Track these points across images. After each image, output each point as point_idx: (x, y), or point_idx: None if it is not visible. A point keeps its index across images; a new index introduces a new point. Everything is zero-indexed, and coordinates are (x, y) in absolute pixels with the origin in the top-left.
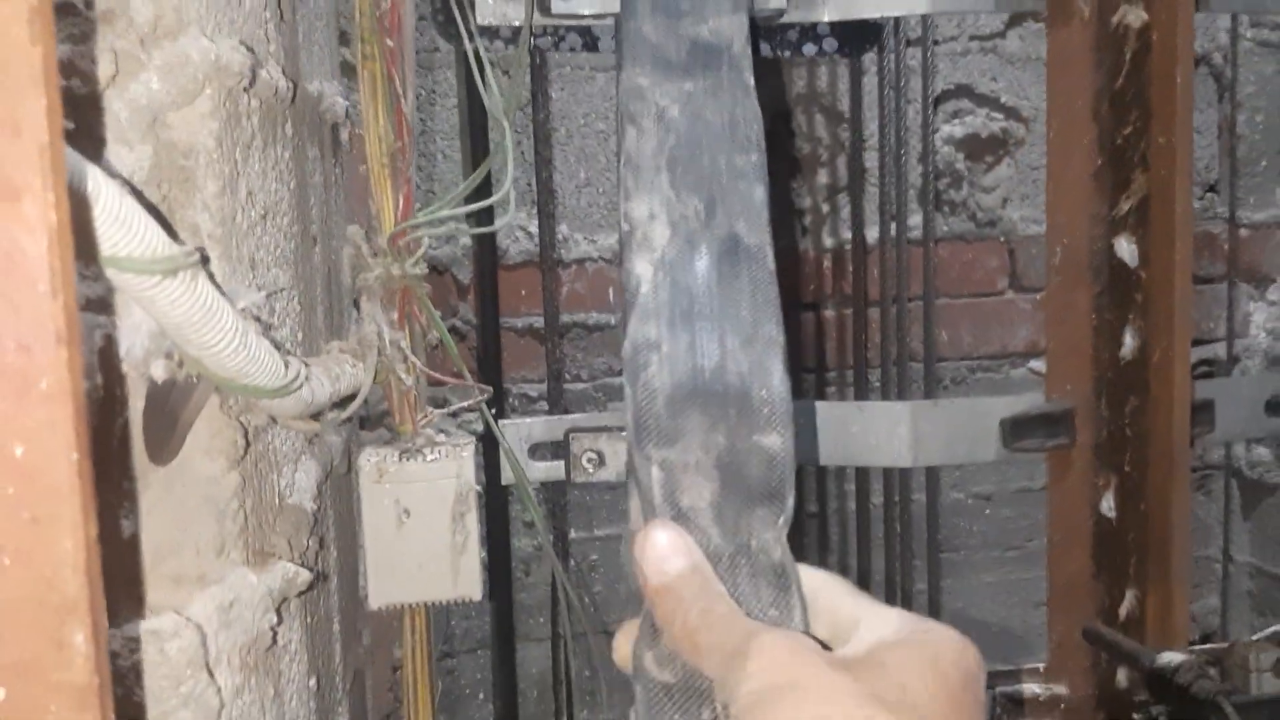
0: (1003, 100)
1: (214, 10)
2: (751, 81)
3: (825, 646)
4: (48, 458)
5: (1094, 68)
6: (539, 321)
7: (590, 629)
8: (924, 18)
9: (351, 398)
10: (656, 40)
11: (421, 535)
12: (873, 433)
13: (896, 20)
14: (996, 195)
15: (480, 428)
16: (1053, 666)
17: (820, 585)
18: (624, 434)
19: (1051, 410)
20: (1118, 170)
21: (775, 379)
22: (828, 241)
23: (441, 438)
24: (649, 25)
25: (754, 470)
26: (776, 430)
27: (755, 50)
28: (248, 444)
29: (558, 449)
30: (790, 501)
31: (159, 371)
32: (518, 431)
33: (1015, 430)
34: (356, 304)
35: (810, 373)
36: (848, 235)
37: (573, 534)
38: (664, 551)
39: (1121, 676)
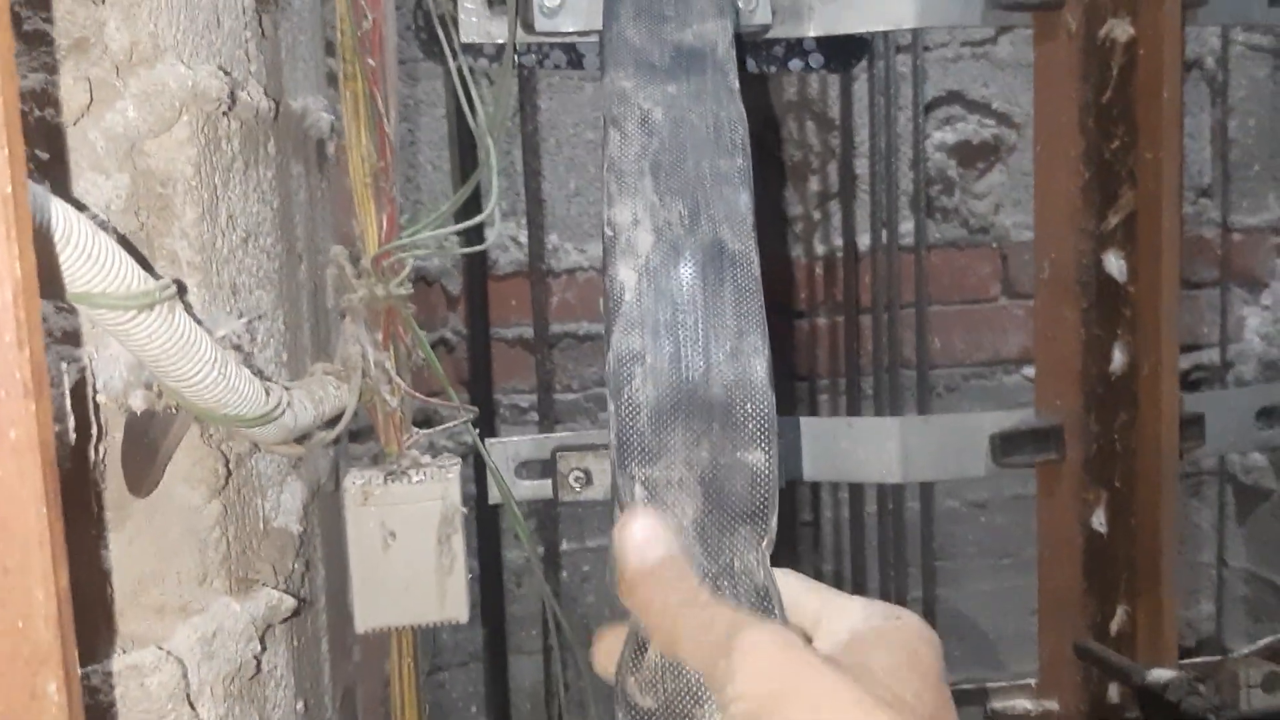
0: (994, 106)
1: (191, 35)
2: (736, 85)
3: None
4: (18, 508)
5: (1081, 81)
6: (529, 332)
7: (581, 643)
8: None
9: (337, 419)
10: (640, 44)
11: (407, 558)
12: (861, 448)
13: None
14: (989, 201)
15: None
16: (1044, 683)
17: (778, 580)
18: (610, 452)
19: (1041, 425)
20: (1106, 184)
21: (760, 392)
22: (819, 249)
23: (427, 459)
24: (632, 30)
25: (738, 488)
26: (761, 446)
27: (741, 64)
28: (229, 472)
29: (545, 467)
30: (773, 521)
31: (138, 402)
32: (504, 450)
33: (1005, 445)
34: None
35: (803, 381)
36: (839, 242)
37: (564, 545)
38: (644, 538)
39: (1113, 693)
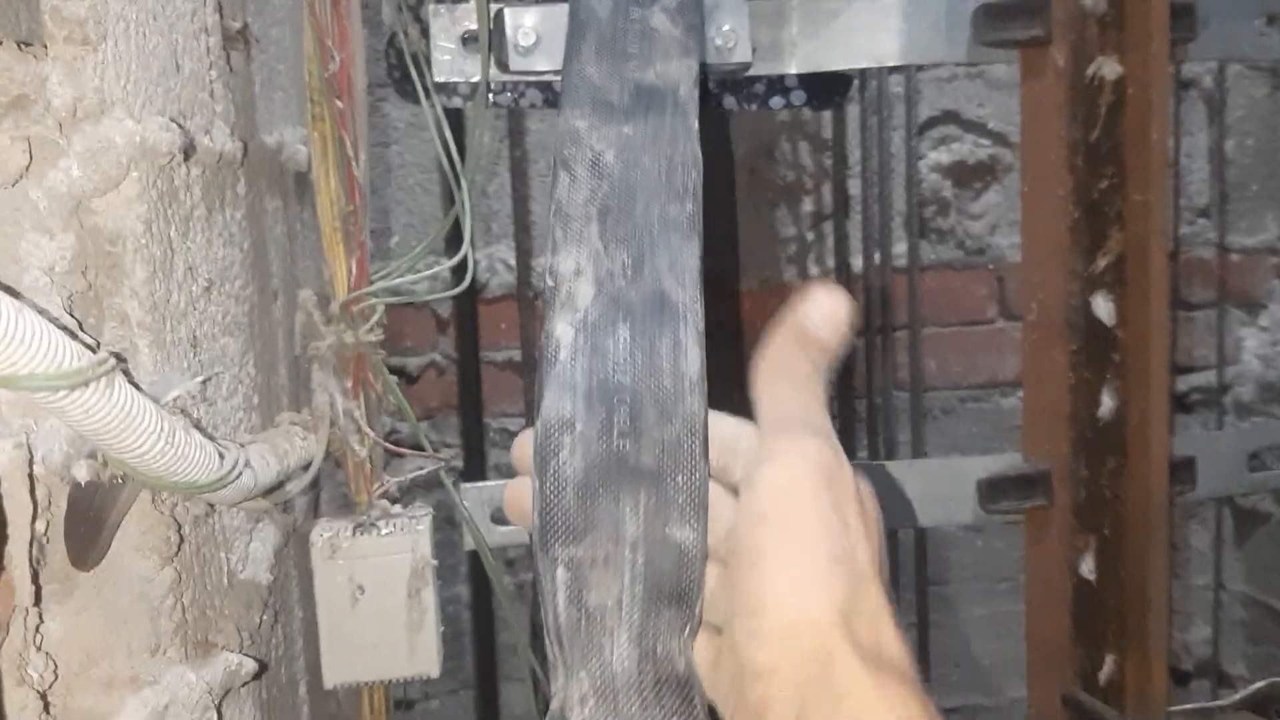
0: (990, 126)
1: (144, 85)
2: (695, 126)
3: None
4: None
5: (1069, 119)
6: (519, 355)
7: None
8: None
9: (306, 468)
10: (599, 82)
11: (376, 612)
12: None
13: None
14: (985, 222)
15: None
16: None
17: (716, 422)
18: (531, 533)
19: (1028, 471)
20: (1094, 225)
21: (694, 463)
22: (813, 270)
23: (397, 509)
24: (593, 67)
25: (664, 566)
26: (690, 523)
27: (719, 103)
28: (181, 539)
29: None
30: (699, 607)
31: (82, 474)
32: (479, 495)
33: (992, 491)
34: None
35: None
36: (834, 264)
37: None
38: (842, 316)
39: None
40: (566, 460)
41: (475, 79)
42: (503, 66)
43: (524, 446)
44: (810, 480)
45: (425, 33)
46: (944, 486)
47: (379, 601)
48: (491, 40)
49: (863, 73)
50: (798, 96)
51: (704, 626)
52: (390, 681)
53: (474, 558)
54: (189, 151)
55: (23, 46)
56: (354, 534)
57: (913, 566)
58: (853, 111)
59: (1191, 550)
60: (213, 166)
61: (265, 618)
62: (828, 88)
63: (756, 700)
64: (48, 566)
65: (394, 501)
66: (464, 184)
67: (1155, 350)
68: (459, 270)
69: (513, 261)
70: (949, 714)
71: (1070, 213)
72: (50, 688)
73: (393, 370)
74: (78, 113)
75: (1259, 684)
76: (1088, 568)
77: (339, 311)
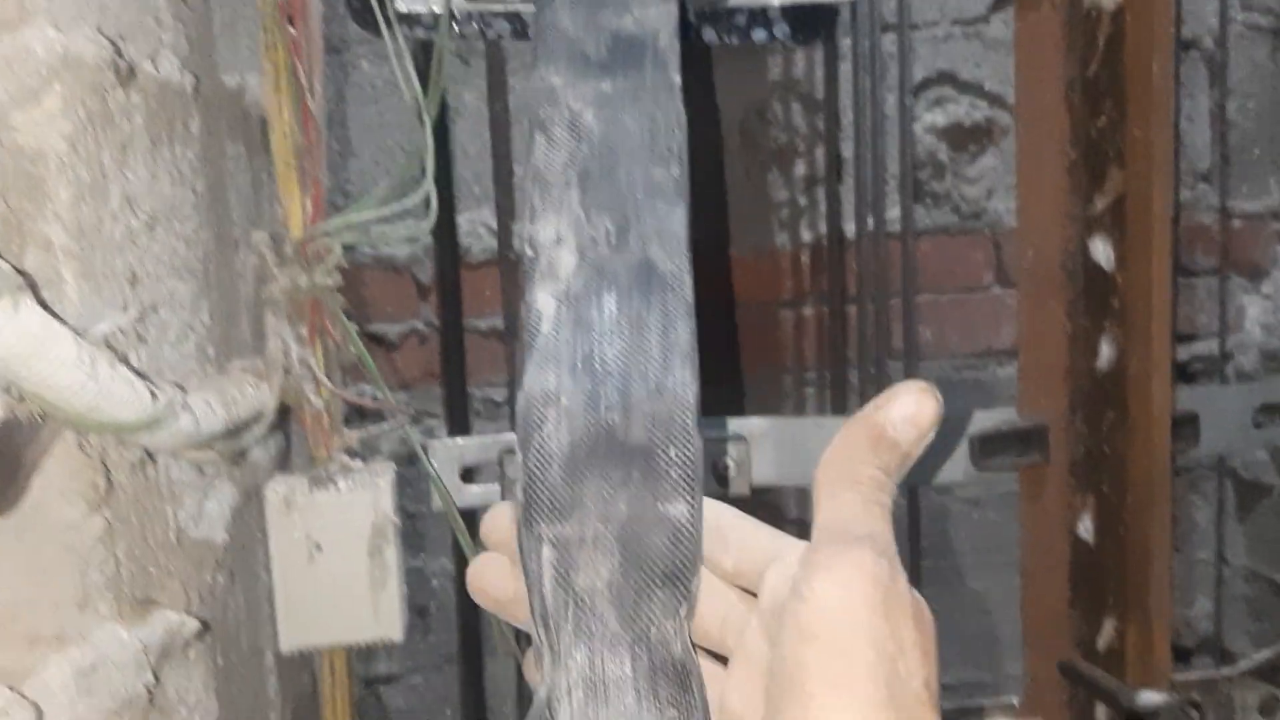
0: (986, 87)
1: None
2: (678, 80)
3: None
4: None
5: (1065, 54)
6: (504, 323)
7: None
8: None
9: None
10: (574, 34)
11: (335, 572)
12: None
13: (870, 3)
14: (981, 186)
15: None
16: (1028, 703)
17: (714, 513)
18: (515, 510)
19: (1024, 426)
20: (1093, 165)
21: (685, 435)
22: (806, 236)
23: (358, 464)
24: (567, 16)
25: (657, 545)
26: (684, 497)
27: (696, 39)
28: (111, 485)
29: (491, 470)
30: (695, 584)
31: None
32: (448, 453)
33: (985, 448)
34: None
35: (788, 374)
36: (826, 229)
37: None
38: (928, 419)
39: (1101, 715)
40: (551, 434)
41: (439, 9)
42: None
43: (495, 521)
44: (865, 599)
45: None
46: (936, 443)
47: (338, 560)
48: None
49: (854, 30)
50: (781, 29)
51: None
52: (352, 645)
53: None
54: (127, 75)
55: None
56: (311, 489)
57: (907, 540)
58: (845, 71)
59: (1193, 524)
60: (157, 96)
61: (219, 579)
62: (813, 20)
63: None
64: None
65: (355, 456)
66: (427, 119)
67: (1157, 295)
68: (445, 226)
69: (496, 225)
70: (945, 690)
71: (1067, 153)
72: None
73: (372, 338)
74: None
75: (1265, 653)
76: (1086, 528)
77: (293, 252)
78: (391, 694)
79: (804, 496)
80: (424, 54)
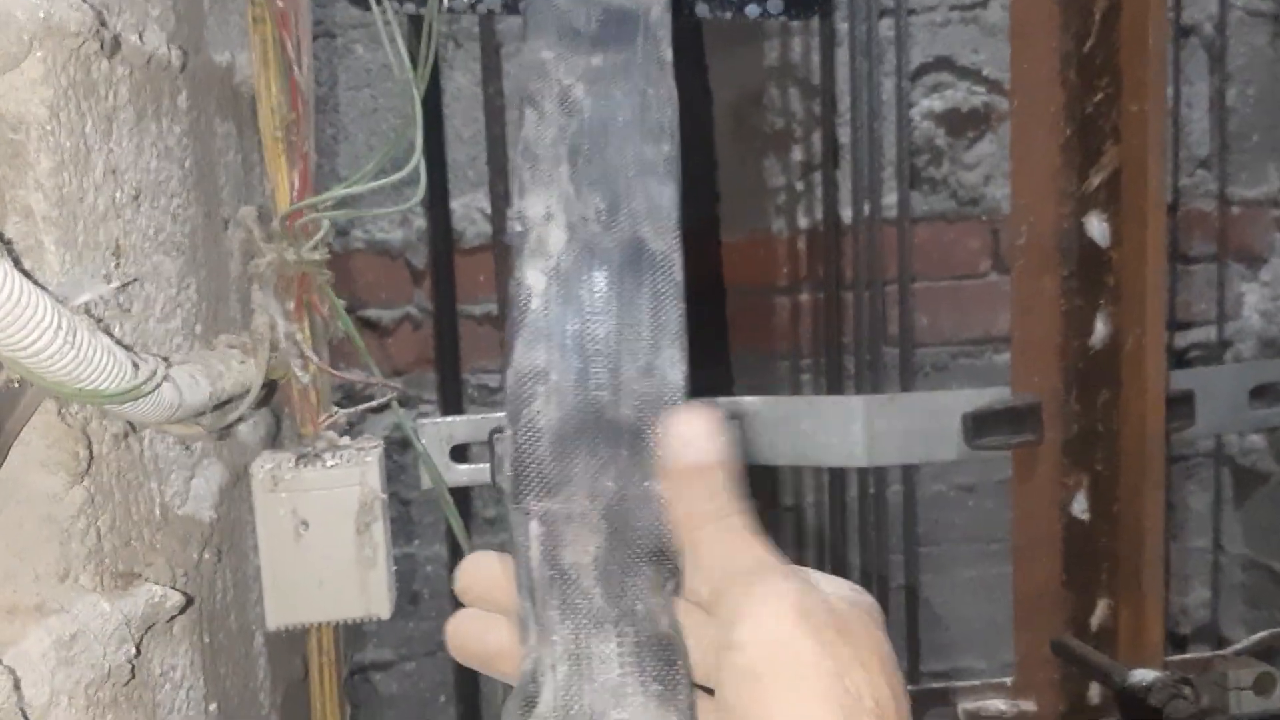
0: (985, 73)
1: None
2: (669, 56)
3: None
4: None
5: (1061, 30)
6: (498, 308)
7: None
8: None
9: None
10: (565, 5)
11: (322, 549)
12: (824, 430)
13: None
14: (979, 173)
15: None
16: (1020, 682)
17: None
18: (504, 484)
19: (1017, 404)
20: (1088, 141)
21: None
22: (802, 222)
23: (345, 441)
24: None
25: (644, 522)
26: None
27: (689, 15)
28: (92, 456)
29: (483, 450)
30: (681, 561)
31: None
32: (438, 431)
33: (978, 426)
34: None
35: (784, 360)
36: (822, 215)
37: None
38: (694, 433)
39: (1094, 693)
40: (540, 410)
41: None
42: None
43: (472, 574)
44: (794, 628)
45: None
46: (928, 422)
47: (325, 537)
48: None
49: (852, 14)
50: (774, 5)
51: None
52: (340, 622)
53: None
54: (112, 46)
55: None
56: (297, 465)
57: (902, 527)
58: (842, 56)
59: (1189, 512)
60: (142, 68)
61: (206, 556)
62: None
63: None
64: None
65: (343, 433)
66: (416, 92)
67: (1152, 270)
68: (439, 207)
69: (489, 209)
70: (939, 677)
71: (1062, 130)
72: None
73: (365, 323)
74: None
75: (1261, 634)
76: (1079, 507)
77: (280, 227)
78: (385, 680)
79: (797, 475)
80: (415, 31)
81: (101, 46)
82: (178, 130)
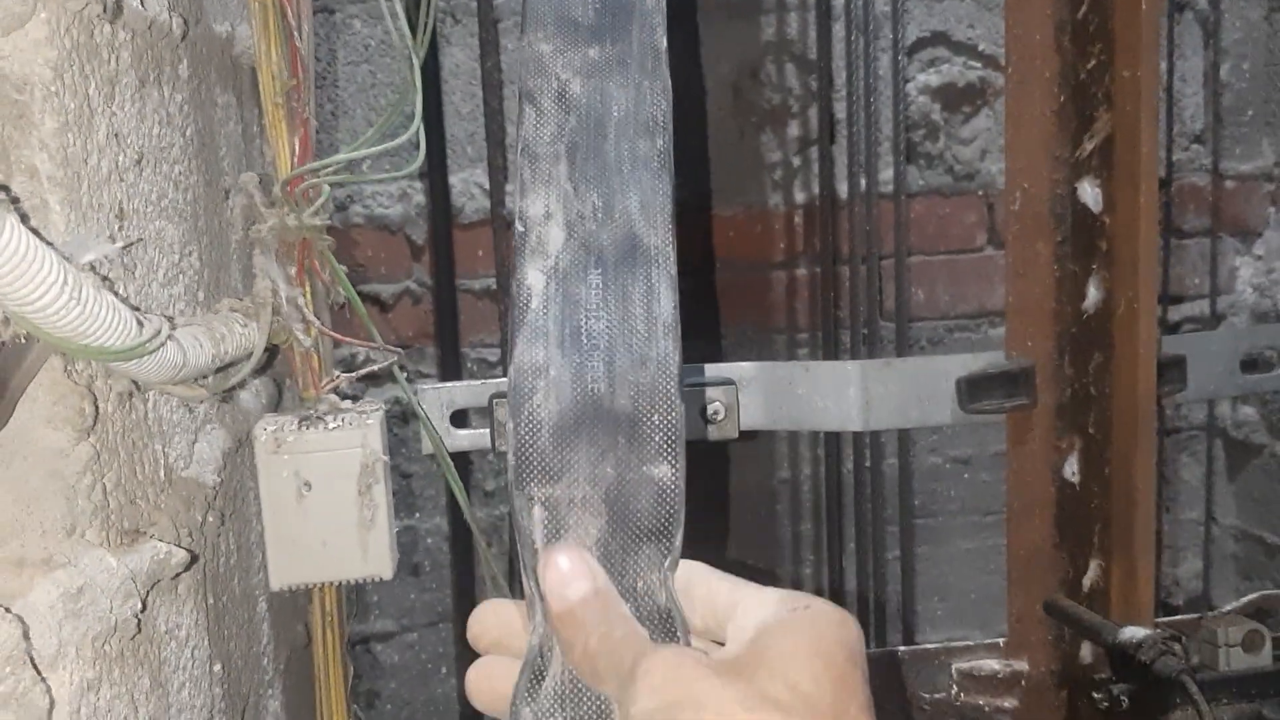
0: (980, 48)
1: None
2: (664, 44)
3: (715, 642)
4: None
5: None
6: (497, 283)
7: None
8: None
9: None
10: None
11: (325, 510)
12: (819, 395)
13: None
14: (975, 147)
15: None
16: (1013, 642)
17: (694, 575)
18: (507, 472)
19: (1011, 369)
20: (1081, 107)
21: (669, 402)
22: (799, 197)
23: (347, 404)
24: None
25: (642, 504)
26: (668, 460)
27: None
28: (98, 413)
29: (483, 416)
30: (678, 539)
31: None
32: (438, 397)
33: (972, 390)
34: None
35: (781, 334)
36: (818, 190)
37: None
38: (566, 575)
39: (1086, 652)
40: (541, 404)
41: None
42: None
43: (483, 623)
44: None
45: None
46: (922, 386)
47: (327, 499)
48: None
49: None
50: None
51: None
52: (342, 582)
53: (449, 488)
54: (114, 10)
55: None
56: (300, 428)
57: (898, 499)
58: (838, 31)
59: (1182, 484)
60: (144, 34)
61: (209, 518)
62: None
63: None
64: None
65: (345, 397)
66: (415, 59)
67: (1145, 235)
68: (438, 181)
69: (488, 185)
70: (918, 647)
71: (1056, 96)
72: None
73: (366, 298)
74: None
75: (1251, 595)
76: (1071, 470)
77: (281, 192)
78: (386, 651)
79: (793, 440)
80: (414, 4)
81: (104, 9)
82: (179, 98)
